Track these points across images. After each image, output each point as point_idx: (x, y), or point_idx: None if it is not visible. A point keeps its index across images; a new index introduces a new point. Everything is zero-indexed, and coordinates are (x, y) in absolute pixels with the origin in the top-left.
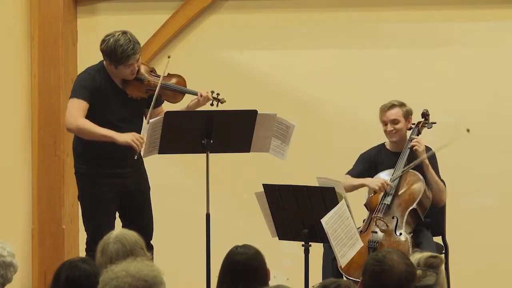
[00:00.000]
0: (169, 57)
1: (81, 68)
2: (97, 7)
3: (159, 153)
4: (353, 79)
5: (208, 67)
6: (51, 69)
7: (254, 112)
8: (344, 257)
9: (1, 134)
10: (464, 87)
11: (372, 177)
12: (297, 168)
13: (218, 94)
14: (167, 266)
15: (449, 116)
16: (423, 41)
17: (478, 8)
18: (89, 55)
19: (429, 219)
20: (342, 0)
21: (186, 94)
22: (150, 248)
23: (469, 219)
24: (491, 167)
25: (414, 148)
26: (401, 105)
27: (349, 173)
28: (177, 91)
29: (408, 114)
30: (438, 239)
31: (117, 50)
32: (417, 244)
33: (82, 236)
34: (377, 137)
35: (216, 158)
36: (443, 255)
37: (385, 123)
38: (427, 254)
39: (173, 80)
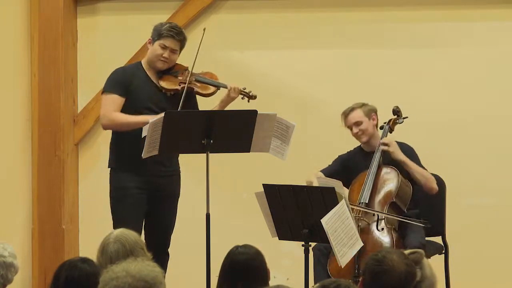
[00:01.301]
0: (204, 29)
1: (81, 68)
2: (97, 7)
3: (159, 153)
4: (353, 79)
5: (208, 67)
6: (51, 69)
7: (254, 112)
8: (344, 257)
9: (1, 134)
10: (464, 87)
11: (345, 178)
12: (297, 168)
13: (250, 91)
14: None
15: (448, 116)
16: (423, 41)
17: (478, 8)
18: (89, 55)
19: (418, 210)
20: (342, 0)
21: (218, 93)
22: (166, 255)
23: (469, 219)
24: (491, 167)
25: (385, 150)
26: (361, 106)
27: (323, 170)
28: (207, 83)
29: (370, 112)
30: (438, 239)
31: (164, 25)
32: (403, 236)
33: (82, 236)
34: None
35: (216, 158)
36: (422, 251)
37: (350, 128)
38: (406, 252)
39: (205, 74)
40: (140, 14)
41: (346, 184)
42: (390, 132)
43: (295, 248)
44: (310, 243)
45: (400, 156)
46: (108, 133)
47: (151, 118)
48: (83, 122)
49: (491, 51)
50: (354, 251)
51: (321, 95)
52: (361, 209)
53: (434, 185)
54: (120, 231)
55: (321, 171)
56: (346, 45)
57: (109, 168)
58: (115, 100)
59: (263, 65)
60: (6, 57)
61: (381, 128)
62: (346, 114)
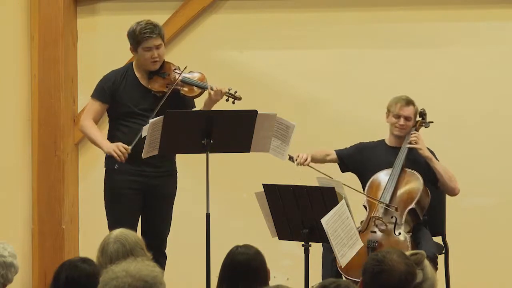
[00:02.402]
0: (185, 67)
1: (81, 68)
2: (97, 7)
3: (159, 153)
4: (353, 79)
5: (208, 67)
6: (51, 69)
7: (254, 112)
8: (344, 257)
9: (1, 134)
10: (464, 87)
11: (359, 164)
12: (297, 168)
13: (236, 92)
14: (167, 266)
15: (449, 116)
16: (423, 41)
17: (478, 8)
18: (89, 55)
19: (426, 217)
20: (342, 0)
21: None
22: (163, 256)
23: (469, 219)
24: (491, 167)
25: (412, 141)
26: (415, 104)
27: (337, 150)
28: (193, 84)
29: (417, 115)
30: (438, 239)
31: (136, 30)
32: (416, 243)
33: (82, 236)
34: (378, 136)
35: (216, 158)
36: (423, 251)
37: (397, 117)
38: (408, 252)
39: (193, 75)
40: (140, 14)
41: (357, 171)
42: None
43: (295, 248)
44: (310, 243)
45: (427, 152)
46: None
47: (106, 145)
48: None
49: (491, 51)
50: (354, 251)
51: (321, 95)
52: (381, 203)
53: (457, 185)
54: (120, 231)
55: (335, 150)
56: (346, 45)
57: (105, 168)
58: (95, 108)
59: (263, 65)
60: (6, 57)
61: None
62: (402, 104)
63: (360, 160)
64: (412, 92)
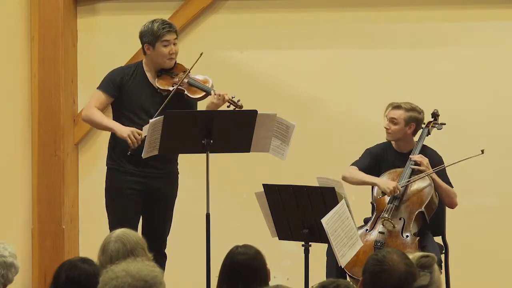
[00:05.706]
0: (201, 54)
1: (81, 68)
2: (97, 7)
3: (159, 153)
4: (353, 79)
5: (208, 67)
6: (51, 69)
7: (254, 112)
8: (344, 257)
9: (1, 134)
10: (464, 87)
11: (376, 173)
12: (297, 168)
13: (238, 100)
14: (167, 266)
15: (448, 116)
16: (423, 41)
17: (478, 8)
18: (89, 55)
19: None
20: (342, 0)
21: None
22: (163, 256)
23: (469, 219)
24: (491, 167)
25: (416, 163)
26: (409, 109)
27: (355, 164)
28: (195, 86)
29: (411, 120)
30: (438, 239)
31: (154, 25)
32: (422, 246)
33: (82, 236)
34: (378, 137)
35: (216, 158)
36: (434, 255)
37: (386, 118)
38: (418, 254)
39: (199, 78)
40: (140, 14)
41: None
42: (427, 135)
43: (295, 248)
44: (310, 243)
45: (432, 174)
46: (108, 133)
47: (119, 128)
48: (83, 122)
49: (491, 51)
50: (354, 251)
51: (321, 95)
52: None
53: (456, 201)
54: (122, 230)
55: (354, 164)
56: (346, 45)
57: (106, 167)
58: (100, 97)
59: (263, 65)
60: (6, 57)
61: (419, 129)
62: (391, 107)
63: (376, 167)
64: (412, 92)
